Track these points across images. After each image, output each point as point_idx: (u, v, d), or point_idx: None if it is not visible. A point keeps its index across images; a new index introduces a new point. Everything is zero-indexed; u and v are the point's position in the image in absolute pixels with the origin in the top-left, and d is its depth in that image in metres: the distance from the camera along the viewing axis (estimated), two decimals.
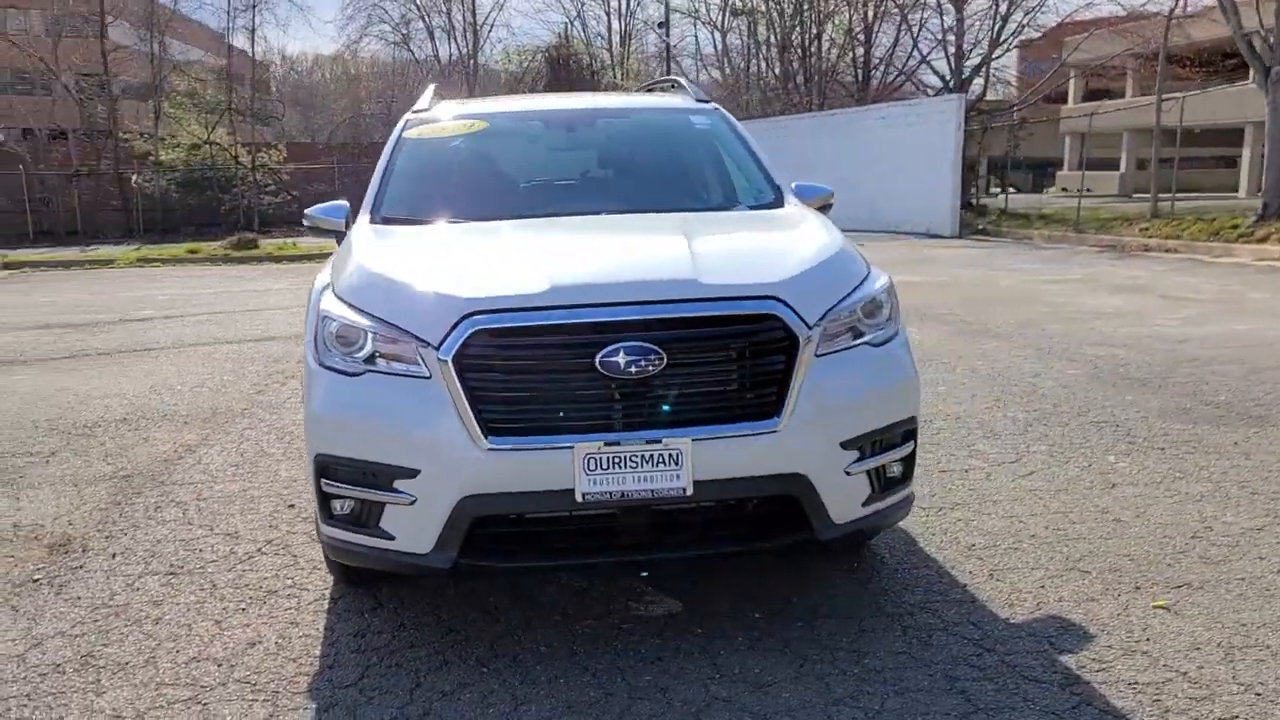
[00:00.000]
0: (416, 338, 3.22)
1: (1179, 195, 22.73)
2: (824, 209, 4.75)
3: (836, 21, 36.40)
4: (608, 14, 52.36)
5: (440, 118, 5.07)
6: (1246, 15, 19.51)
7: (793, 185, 4.77)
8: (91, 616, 3.83)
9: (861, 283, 3.61)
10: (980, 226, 24.56)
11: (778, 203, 4.56)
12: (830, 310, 3.39)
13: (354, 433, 3.30)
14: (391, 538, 3.28)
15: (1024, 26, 30.46)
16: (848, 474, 3.36)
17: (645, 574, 3.97)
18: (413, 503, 3.21)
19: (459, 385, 3.12)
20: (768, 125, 32.56)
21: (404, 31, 48.20)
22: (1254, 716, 2.96)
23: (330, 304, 3.51)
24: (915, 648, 3.42)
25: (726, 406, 3.24)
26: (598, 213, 4.38)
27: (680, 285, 3.27)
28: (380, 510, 3.28)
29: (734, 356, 3.26)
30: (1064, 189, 42.80)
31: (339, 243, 4.47)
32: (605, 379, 3.13)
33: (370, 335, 3.32)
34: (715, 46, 50.94)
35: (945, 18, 30.91)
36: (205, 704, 3.19)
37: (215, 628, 3.72)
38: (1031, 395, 6.95)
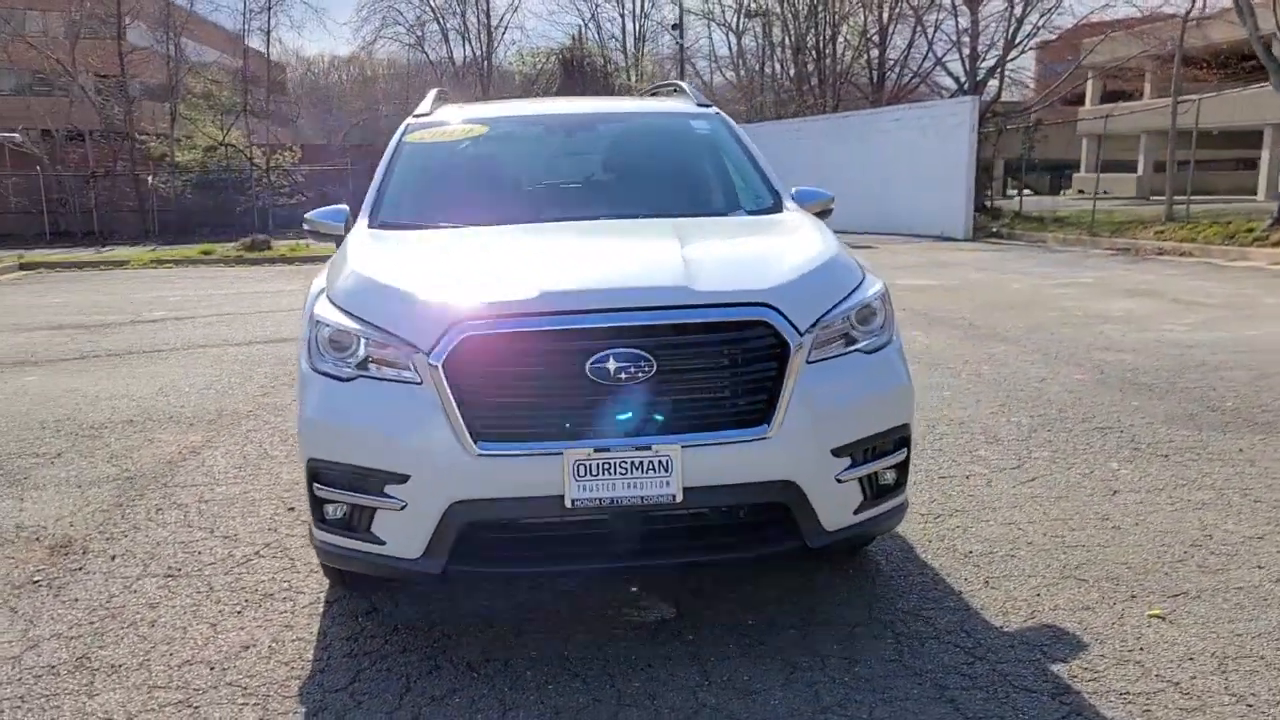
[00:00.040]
0: (408, 343, 3.23)
1: (1196, 198, 22.63)
2: (824, 214, 4.75)
3: (851, 23, 36.33)
4: (622, 16, 52.47)
5: (441, 122, 5.08)
6: (1263, 17, 19.41)
7: (793, 190, 4.77)
8: (88, 618, 3.85)
9: (855, 289, 3.60)
10: (994, 229, 24.48)
11: (776, 208, 4.55)
12: (822, 317, 3.38)
13: (345, 437, 3.32)
14: (382, 543, 3.29)
15: (1039, 28, 30.33)
16: (839, 481, 3.35)
17: (635, 589, 3.96)
18: (403, 508, 3.22)
19: (449, 391, 3.13)
20: (782, 127, 32.55)
21: (419, 33, 48.28)
22: None
23: (323, 309, 3.53)
24: (907, 656, 3.41)
25: (717, 413, 3.24)
26: (595, 218, 4.40)
27: (671, 292, 3.27)
28: (371, 515, 3.30)
29: (724, 363, 3.26)
30: (1081, 191, 42.60)
31: (339, 247, 4.49)
32: (595, 385, 3.13)
33: (362, 340, 3.34)
34: (730, 48, 51.05)
35: (960, 19, 30.83)
36: (196, 707, 3.20)
37: (210, 630, 3.74)
38: (1037, 400, 6.92)
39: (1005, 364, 8.24)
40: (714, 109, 5.29)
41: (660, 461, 3.15)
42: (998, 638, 3.52)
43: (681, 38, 40.79)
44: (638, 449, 3.15)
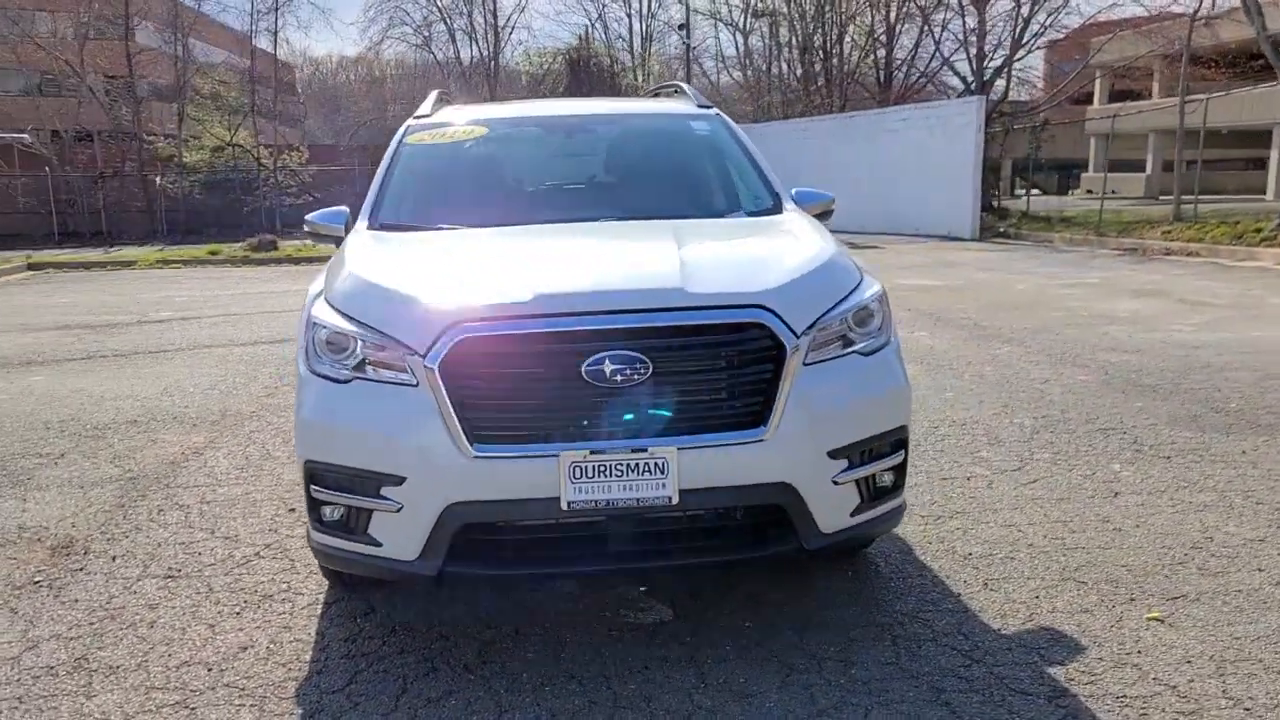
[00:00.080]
0: (404, 345, 3.23)
1: (1204, 198, 22.55)
2: (824, 215, 4.75)
3: (858, 23, 36.27)
4: (629, 16, 52.52)
5: (441, 124, 5.08)
6: (1271, 16, 19.36)
7: (793, 191, 4.76)
8: (88, 619, 3.87)
9: (852, 291, 3.59)
10: (1001, 229, 24.43)
11: (775, 209, 4.55)
12: (819, 319, 3.37)
13: (342, 439, 3.32)
14: (379, 544, 3.29)
15: (1046, 28, 30.24)
16: (835, 483, 3.35)
17: (638, 590, 3.97)
18: (399, 510, 3.22)
19: (445, 393, 3.13)
20: (789, 127, 32.53)
21: (426, 34, 48.31)
22: None
23: (321, 311, 3.53)
24: (904, 658, 3.41)
25: (713, 415, 3.24)
26: (593, 219, 4.41)
27: (667, 294, 3.27)
28: (368, 517, 3.30)
29: (720, 365, 3.26)
30: (1089, 191, 42.56)
31: (338, 248, 4.49)
32: (591, 388, 3.13)
33: (359, 342, 3.34)
34: (737, 48, 51.02)
35: (967, 19, 30.75)
36: (193, 708, 3.21)
37: (209, 631, 3.75)
38: (1040, 401, 6.90)
39: (1009, 365, 8.22)
40: (714, 110, 5.29)
41: (656, 463, 3.15)
42: (995, 640, 3.51)
43: (688, 38, 40.78)
44: (633, 451, 3.14)
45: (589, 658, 3.47)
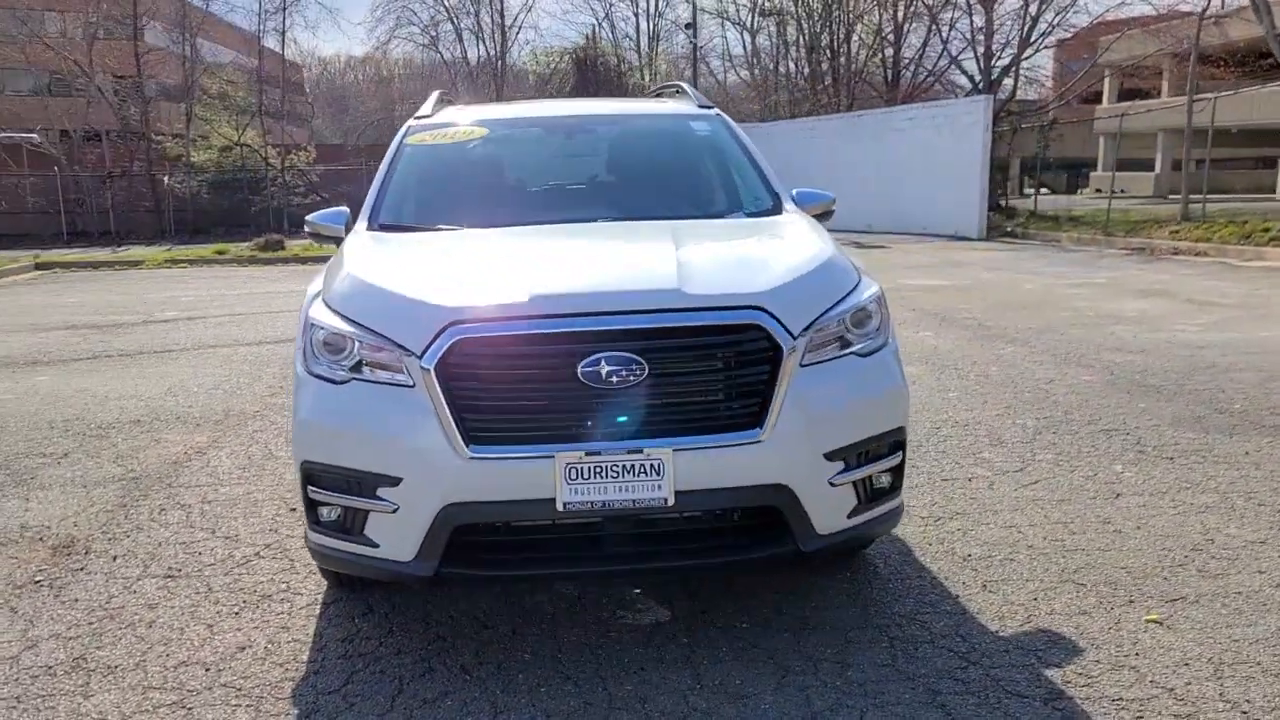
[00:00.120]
0: (400, 346, 3.23)
1: (1213, 197, 22.46)
2: (825, 215, 4.74)
3: (866, 22, 36.23)
4: (636, 15, 52.28)
5: (441, 124, 5.09)
6: None
7: (793, 192, 4.76)
8: (87, 619, 3.88)
9: (850, 292, 3.58)
10: (1008, 228, 24.37)
11: (775, 210, 4.54)
12: (816, 320, 3.37)
13: (339, 440, 3.33)
14: (375, 545, 3.30)
15: (1054, 27, 30.16)
16: (832, 485, 3.34)
17: (637, 591, 3.97)
18: (395, 510, 3.22)
19: (441, 394, 3.13)
20: (796, 126, 32.49)
21: (433, 33, 48.36)
22: None
23: (318, 312, 3.54)
24: (900, 660, 3.40)
25: (709, 416, 3.23)
26: (592, 220, 4.41)
27: (663, 295, 3.27)
28: (364, 518, 3.31)
29: (717, 366, 3.26)
30: (1098, 190, 42.36)
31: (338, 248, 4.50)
32: (587, 389, 3.13)
33: (356, 343, 3.35)
34: (744, 47, 50.90)
35: (975, 18, 30.70)
36: (190, 708, 3.22)
37: (207, 631, 3.76)
38: (1043, 402, 6.88)
39: (1014, 365, 8.20)
40: (715, 110, 5.28)
41: (652, 465, 3.15)
42: (993, 642, 3.50)
43: (695, 37, 40.72)
44: (629, 452, 3.14)
45: (585, 658, 3.47)
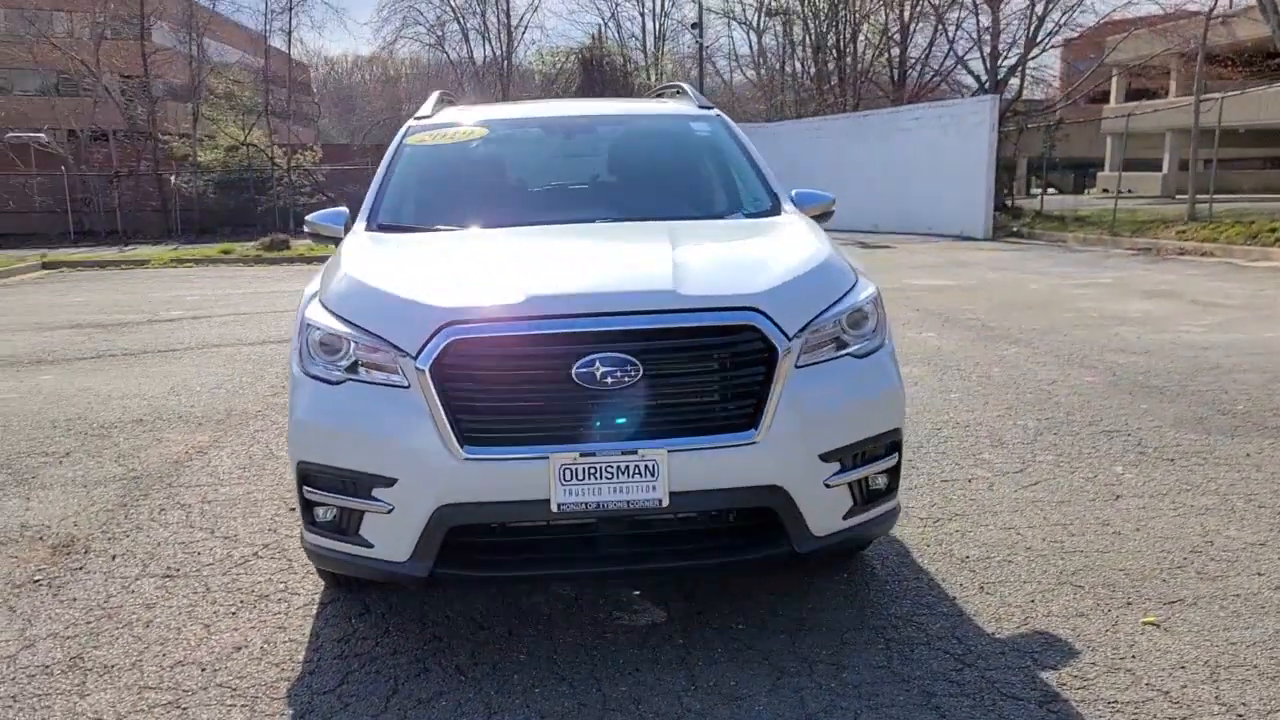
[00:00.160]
0: (395, 347, 3.24)
1: (1220, 197, 22.40)
2: (824, 216, 4.74)
3: (872, 22, 36.19)
4: (642, 15, 52.45)
5: (441, 125, 5.09)
6: None
7: (793, 193, 4.75)
8: (85, 618, 3.89)
9: (847, 293, 3.57)
10: (1014, 228, 24.33)
11: (774, 210, 4.53)
12: (812, 321, 3.36)
13: (334, 441, 3.33)
14: (370, 546, 3.30)
15: (1061, 26, 30.09)
16: (828, 486, 3.34)
17: (636, 593, 3.97)
18: (390, 511, 3.23)
19: (436, 395, 3.14)
20: (802, 126, 32.47)
21: (439, 33, 48.43)
22: None
23: (315, 312, 3.54)
24: (896, 662, 3.39)
25: (704, 418, 3.23)
26: (590, 220, 4.42)
27: (658, 296, 3.26)
28: (360, 518, 3.31)
29: (712, 367, 3.25)
30: (1105, 190, 42.25)
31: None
32: (581, 390, 3.13)
33: (352, 344, 3.35)
34: (750, 47, 50.91)
35: (981, 18, 30.64)
36: (185, 708, 3.22)
37: (204, 631, 3.76)
38: (1045, 403, 6.87)
39: (1016, 366, 8.18)
40: (715, 111, 5.28)
41: (646, 466, 3.14)
42: (989, 644, 3.50)
43: (701, 36, 40.71)
44: (624, 453, 3.14)
45: (581, 659, 3.47)
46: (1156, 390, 7.14)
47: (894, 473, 3.58)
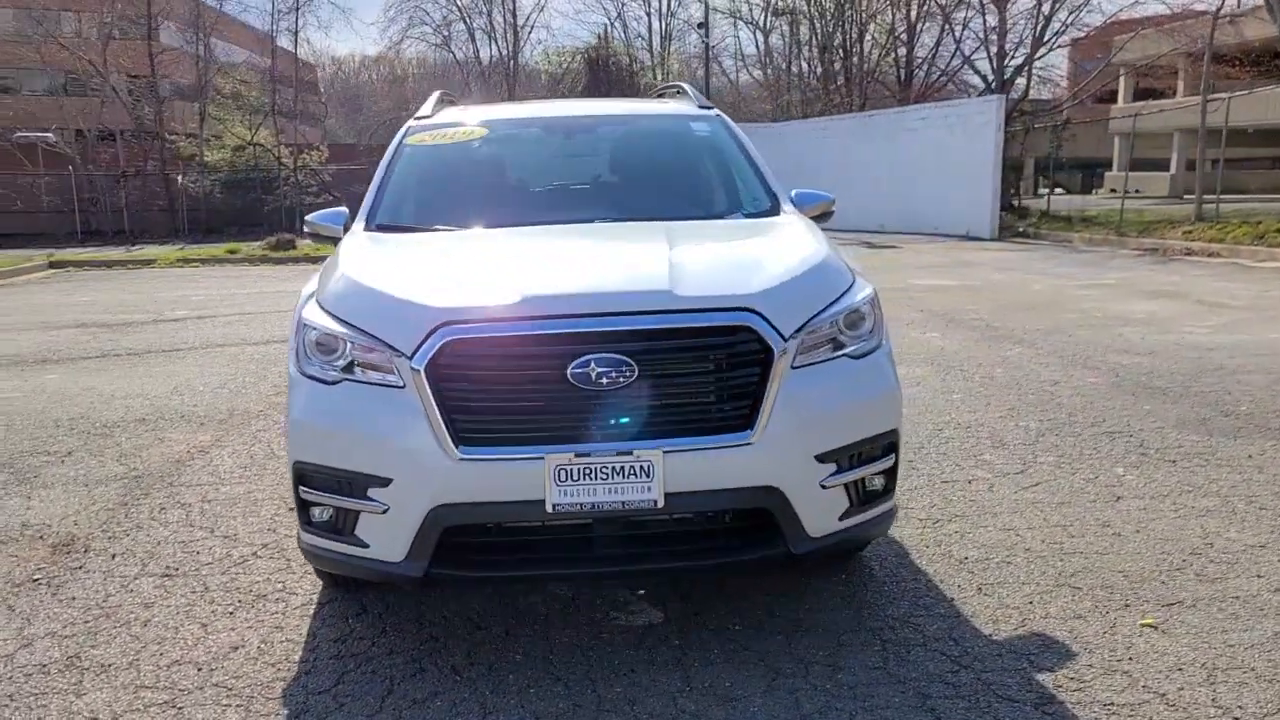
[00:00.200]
0: (391, 347, 3.24)
1: (1227, 197, 22.32)
2: (824, 216, 4.73)
3: (879, 21, 36.13)
4: (648, 14, 52.45)
5: (441, 125, 5.09)
6: None
7: (792, 193, 4.74)
8: (83, 618, 3.90)
9: (843, 294, 3.57)
10: (1020, 229, 24.28)
11: (773, 211, 4.53)
12: (808, 322, 3.36)
13: (330, 441, 3.33)
14: (366, 546, 3.30)
15: (1068, 26, 30.02)
16: (824, 487, 3.33)
17: (639, 593, 3.97)
18: (385, 511, 3.23)
19: (431, 395, 3.14)
20: (808, 126, 32.45)
21: (445, 33, 48.45)
22: None
23: (311, 313, 3.55)
24: (892, 663, 3.39)
25: (699, 418, 3.23)
26: (589, 220, 4.42)
27: (653, 297, 3.26)
28: (355, 518, 3.31)
29: (707, 368, 3.25)
30: (1113, 190, 42.13)
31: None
32: (576, 390, 3.13)
33: (348, 344, 3.35)
34: (757, 47, 50.91)
35: (988, 18, 30.58)
36: (180, 708, 3.23)
37: (201, 631, 3.77)
38: (1047, 404, 6.85)
39: (1019, 367, 8.16)
40: (714, 111, 5.28)
41: (641, 467, 3.14)
42: (985, 646, 3.49)
43: (707, 36, 40.64)
44: (619, 454, 3.14)
45: (577, 660, 3.46)
46: (1160, 391, 7.12)
47: (891, 474, 3.57)
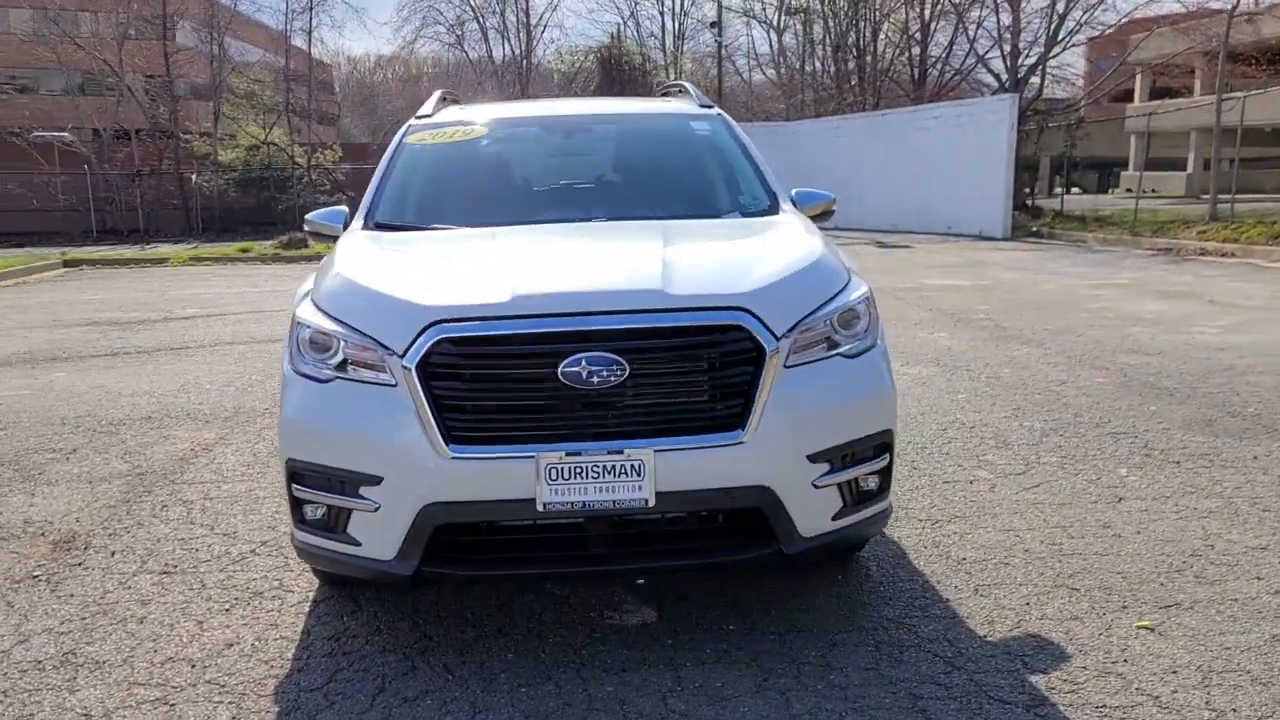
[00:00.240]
0: (383, 345, 3.24)
1: (1242, 196, 22.17)
2: (824, 215, 4.72)
3: (893, 20, 36.02)
4: (661, 14, 52.52)
5: (441, 124, 5.10)
6: None
7: (793, 192, 4.73)
8: (80, 614, 3.91)
9: (838, 293, 3.55)
10: (1034, 228, 24.17)
11: (772, 210, 4.52)
12: (801, 321, 3.35)
13: (322, 439, 3.34)
14: (358, 544, 3.31)
15: (1082, 25, 29.81)
16: (816, 487, 3.32)
17: (641, 583, 3.96)
18: (376, 509, 3.23)
19: (422, 393, 3.14)
20: (821, 125, 32.36)
21: (459, 32, 48.62)
22: None
23: (305, 311, 3.56)
24: (884, 664, 3.37)
25: (691, 417, 3.22)
26: (588, 220, 4.41)
27: (645, 295, 3.26)
28: (347, 516, 3.32)
29: (699, 367, 3.24)
30: (1129, 190, 41.86)
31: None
32: (568, 389, 3.13)
33: (341, 342, 3.36)
34: (770, 46, 50.82)
35: (1002, 16, 30.42)
36: (172, 704, 3.24)
37: (196, 628, 3.78)
38: (1053, 404, 6.81)
39: (1026, 367, 8.12)
40: (715, 110, 5.27)
41: (633, 466, 3.14)
42: (980, 647, 3.47)
43: (720, 35, 40.63)
44: (610, 453, 3.14)
45: (569, 659, 3.46)
46: (1167, 392, 7.07)
47: (885, 474, 3.56)
